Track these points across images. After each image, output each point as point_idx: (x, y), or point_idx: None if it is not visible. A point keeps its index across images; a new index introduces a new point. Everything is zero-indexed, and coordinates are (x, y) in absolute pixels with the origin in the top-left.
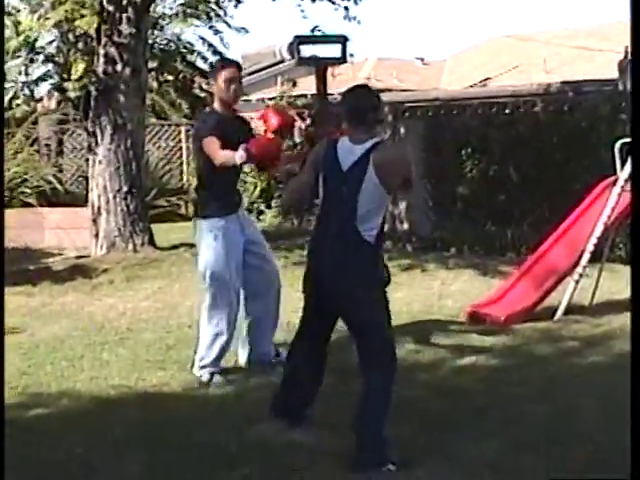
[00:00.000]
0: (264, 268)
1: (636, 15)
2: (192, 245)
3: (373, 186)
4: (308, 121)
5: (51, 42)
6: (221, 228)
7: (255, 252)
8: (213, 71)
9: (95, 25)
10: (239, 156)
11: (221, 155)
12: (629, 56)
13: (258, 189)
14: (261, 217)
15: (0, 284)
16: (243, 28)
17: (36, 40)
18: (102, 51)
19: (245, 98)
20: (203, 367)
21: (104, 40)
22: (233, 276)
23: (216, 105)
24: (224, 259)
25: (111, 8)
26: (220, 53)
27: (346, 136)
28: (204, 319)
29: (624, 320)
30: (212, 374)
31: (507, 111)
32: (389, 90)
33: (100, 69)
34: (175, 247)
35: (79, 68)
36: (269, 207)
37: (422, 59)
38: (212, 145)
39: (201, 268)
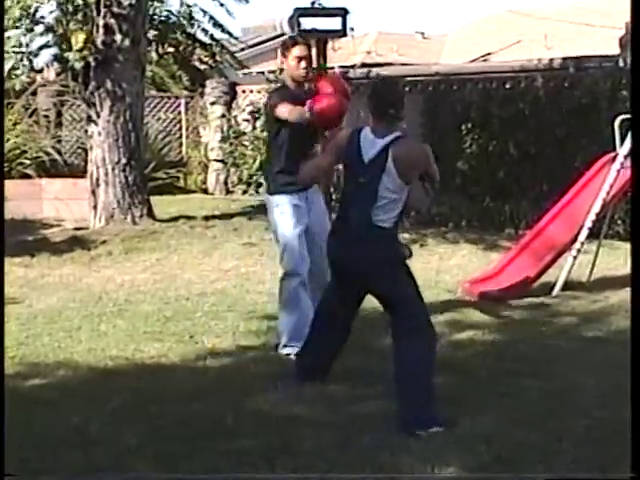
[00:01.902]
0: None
1: (636, 15)
2: (191, 217)
3: (392, 179)
4: None
5: (51, 12)
6: (286, 204)
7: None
8: (283, 47)
9: None
10: (306, 110)
11: (293, 112)
12: (629, 32)
13: (257, 162)
14: (260, 190)
15: (1, 286)
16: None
17: (36, 10)
18: (101, 22)
19: (245, 71)
20: (285, 346)
21: (103, 11)
22: (305, 250)
23: (287, 81)
24: (293, 232)
25: None
26: (221, 25)
27: (368, 127)
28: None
29: (622, 296)
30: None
31: (507, 86)
32: (389, 64)
33: (99, 40)
34: (174, 219)
35: (79, 39)
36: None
37: (423, 33)
38: (283, 107)
39: (278, 245)
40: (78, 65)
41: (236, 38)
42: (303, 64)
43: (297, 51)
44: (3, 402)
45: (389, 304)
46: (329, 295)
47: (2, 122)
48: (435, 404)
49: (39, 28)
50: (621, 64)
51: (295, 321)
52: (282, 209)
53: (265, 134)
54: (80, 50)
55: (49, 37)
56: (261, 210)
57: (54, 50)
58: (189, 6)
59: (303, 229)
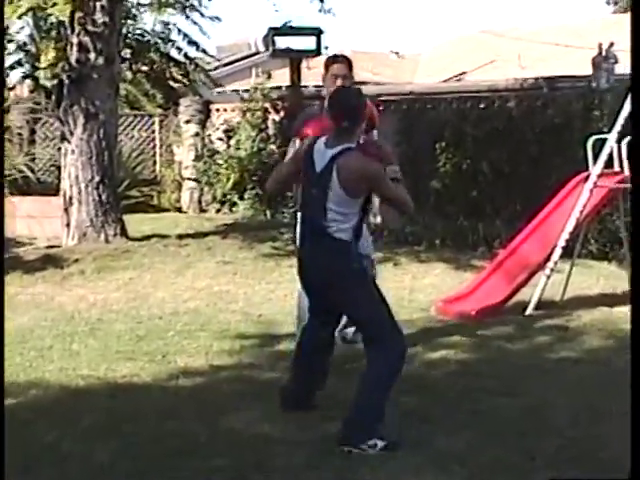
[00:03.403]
0: None
1: (636, 15)
2: (164, 236)
3: (336, 192)
4: (282, 113)
5: (22, 28)
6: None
7: None
8: (324, 64)
9: (68, 13)
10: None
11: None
12: (603, 52)
13: (231, 181)
14: (234, 209)
15: (1, 287)
16: (216, 17)
17: (7, 28)
18: (75, 40)
19: (220, 89)
20: None
21: (77, 29)
22: None
23: (326, 95)
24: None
25: None
26: (195, 43)
27: (324, 137)
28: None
29: (595, 315)
30: None
31: (482, 106)
32: (364, 83)
33: (73, 58)
34: (147, 238)
35: (49, 56)
36: (242, 199)
37: (397, 52)
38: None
39: None
40: (48, 83)
41: (211, 56)
42: (339, 82)
43: (335, 69)
44: (3, 410)
45: (351, 319)
46: (310, 323)
47: (2, 123)
48: (383, 424)
49: (11, 46)
50: (593, 85)
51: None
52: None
53: (240, 153)
54: (49, 67)
55: (20, 55)
56: (235, 229)
57: (26, 68)
58: (166, 24)
59: None
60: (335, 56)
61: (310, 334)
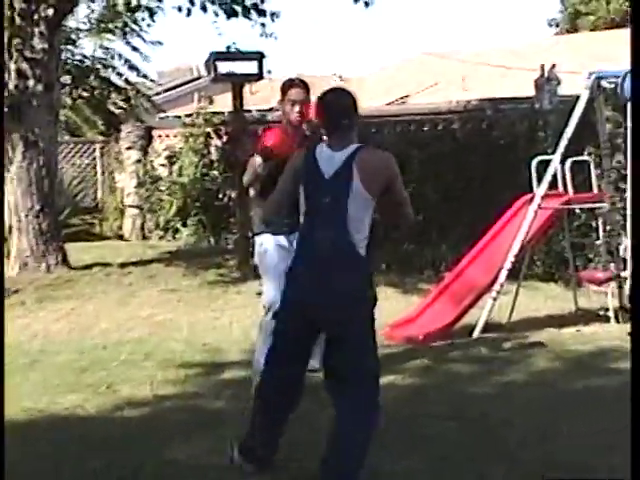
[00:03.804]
0: None
1: (636, 15)
2: (106, 264)
3: (359, 194)
4: (224, 138)
5: None
6: (269, 242)
7: None
8: (281, 89)
9: (6, 39)
10: (256, 161)
11: (247, 174)
12: (545, 74)
13: (174, 207)
14: (177, 236)
15: (0, 288)
16: (158, 41)
17: None
18: (13, 66)
19: (162, 115)
20: None
21: (15, 55)
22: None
23: (284, 122)
24: (274, 267)
25: (22, 22)
26: (136, 68)
27: (322, 144)
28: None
29: (542, 336)
30: None
31: (425, 129)
32: None
33: (11, 84)
34: (89, 267)
35: None
36: (185, 225)
37: (340, 76)
38: (250, 164)
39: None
40: None
41: (152, 81)
42: (297, 108)
43: (293, 94)
44: (2, 417)
45: (347, 351)
46: (277, 358)
47: (2, 125)
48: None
49: None
50: (537, 106)
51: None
52: (265, 247)
53: (182, 179)
54: None
55: None
56: (178, 256)
57: None
58: (106, 49)
59: (285, 269)
60: (292, 80)
61: (279, 371)
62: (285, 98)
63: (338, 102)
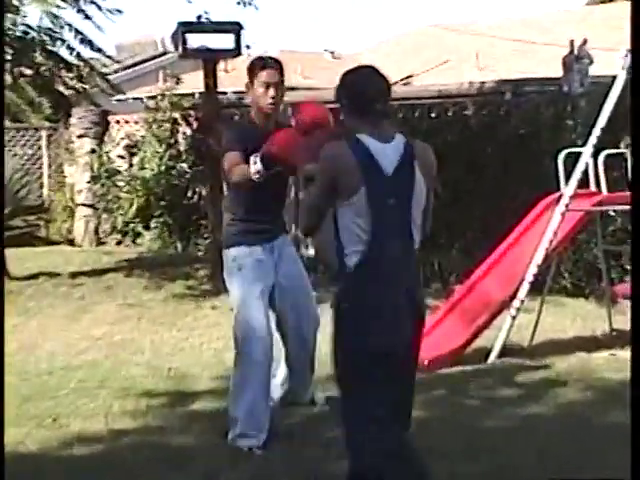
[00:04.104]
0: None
1: (636, 15)
2: (54, 274)
3: (421, 192)
4: (194, 125)
5: None
6: (246, 257)
7: (284, 304)
8: (249, 70)
9: None
10: (253, 167)
11: (235, 171)
12: (575, 51)
13: (135, 207)
14: (138, 240)
15: (0, 288)
16: (116, 10)
17: None
18: None
19: (120, 97)
20: (240, 436)
21: None
22: (263, 317)
23: (252, 112)
24: (250, 294)
25: None
26: (90, 41)
27: (363, 135)
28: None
29: (570, 362)
30: (250, 448)
31: (433, 115)
32: (293, 89)
33: None
34: (34, 277)
35: None
36: (147, 228)
37: (333, 52)
38: (228, 162)
39: (232, 310)
40: None
41: (109, 57)
42: (272, 92)
43: (265, 76)
44: (2, 410)
45: (406, 382)
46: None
47: (2, 124)
48: None
49: None
50: (565, 89)
51: (249, 405)
52: (240, 263)
53: (145, 173)
54: None
55: None
56: (140, 264)
57: None
58: (55, 17)
59: (266, 291)
60: (262, 59)
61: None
62: (255, 80)
63: (377, 83)
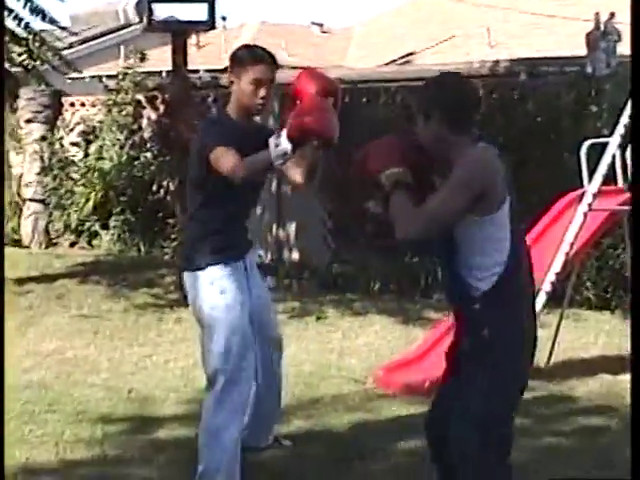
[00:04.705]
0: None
1: (636, 16)
2: None
3: None
4: (161, 109)
5: None
6: (226, 279)
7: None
8: (236, 63)
9: None
10: (275, 150)
11: (242, 164)
12: (601, 26)
13: (91, 203)
14: (95, 242)
15: (0, 288)
16: None
17: None
18: None
19: (75, 75)
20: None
21: None
22: (252, 355)
23: (230, 109)
24: (238, 323)
25: None
26: (42, 11)
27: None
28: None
29: (592, 386)
30: None
31: None
32: (276, 67)
33: None
34: None
35: None
36: (106, 227)
37: (321, 25)
38: (227, 156)
39: (210, 346)
40: None
41: (63, 29)
42: (263, 92)
43: (258, 72)
44: (2, 408)
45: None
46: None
47: (2, 124)
48: None
49: None
50: (589, 70)
51: (225, 454)
52: (222, 286)
53: (103, 164)
54: None
55: None
56: (96, 269)
57: None
58: None
59: (248, 320)
60: (254, 51)
61: None
62: (243, 75)
63: (473, 93)
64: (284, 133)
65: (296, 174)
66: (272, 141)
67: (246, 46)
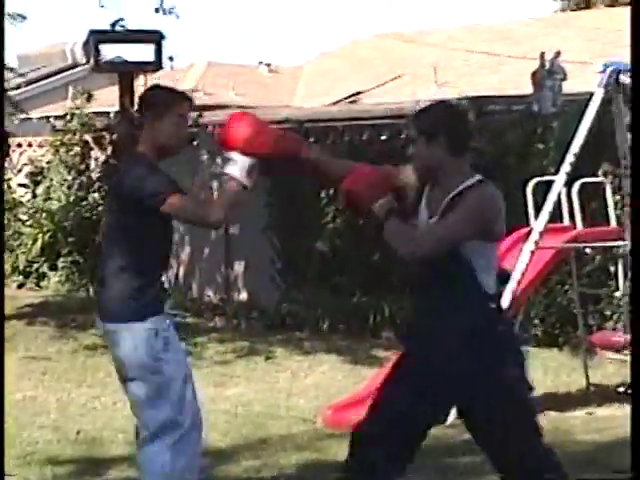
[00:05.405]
0: None
1: (636, 17)
2: None
3: None
4: (108, 149)
5: None
6: (167, 329)
7: None
8: (157, 103)
9: None
10: (237, 166)
11: (218, 204)
12: (546, 65)
13: (39, 244)
14: (43, 283)
15: (0, 287)
16: (20, 15)
17: None
18: None
19: (23, 116)
20: None
21: None
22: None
23: (147, 151)
24: (187, 383)
25: None
26: None
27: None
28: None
29: (541, 422)
30: None
31: (384, 137)
32: (223, 107)
33: None
34: None
35: None
36: (54, 268)
37: (269, 65)
38: (192, 200)
39: (159, 399)
40: None
41: (10, 70)
42: (186, 129)
43: (183, 109)
44: (2, 408)
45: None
46: None
47: (2, 124)
48: None
49: None
50: (535, 108)
51: None
52: (165, 337)
53: (51, 204)
54: None
55: None
56: (45, 311)
57: None
58: None
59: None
60: (175, 90)
61: None
62: (167, 114)
63: (469, 119)
64: (233, 154)
65: (216, 210)
66: (229, 168)
67: (159, 86)
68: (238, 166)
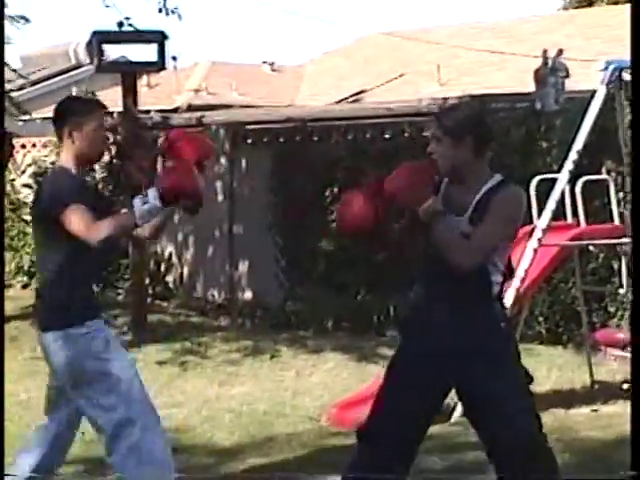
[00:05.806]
0: None
1: (636, 17)
2: None
3: None
4: (112, 150)
5: None
6: (106, 329)
7: None
8: (74, 114)
9: None
10: (146, 207)
11: (104, 225)
12: (549, 63)
13: None
14: None
15: (0, 288)
16: (22, 17)
17: None
18: None
19: (26, 117)
20: None
21: None
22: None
23: (69, 162)
24: (137, 375)
25: None
26: None
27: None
28: None
29: (545, 421)
30: None
31: (387, 136)
32: (226, 106)
33: None
34: None
35: None
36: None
37: (272, 64)
38: (82, 216)
39: (109, 399)
40: None
41: (13, 71)
42: (103, 136)
43: (101, 117)
44: (3, 405)
45: None
46: None
47: (2, 124)
48: None
49: None
50: (538, 106)
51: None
52: (106, 338)
53: None
54: None
55: None
56: None
57: None
58: None
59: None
60: (91, 100)
61: None
62: (87, 123)
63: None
64: (152, 192)
65: (99, 230)
66: (138, 201)
67: (72, 97)
68: (146, 204)
